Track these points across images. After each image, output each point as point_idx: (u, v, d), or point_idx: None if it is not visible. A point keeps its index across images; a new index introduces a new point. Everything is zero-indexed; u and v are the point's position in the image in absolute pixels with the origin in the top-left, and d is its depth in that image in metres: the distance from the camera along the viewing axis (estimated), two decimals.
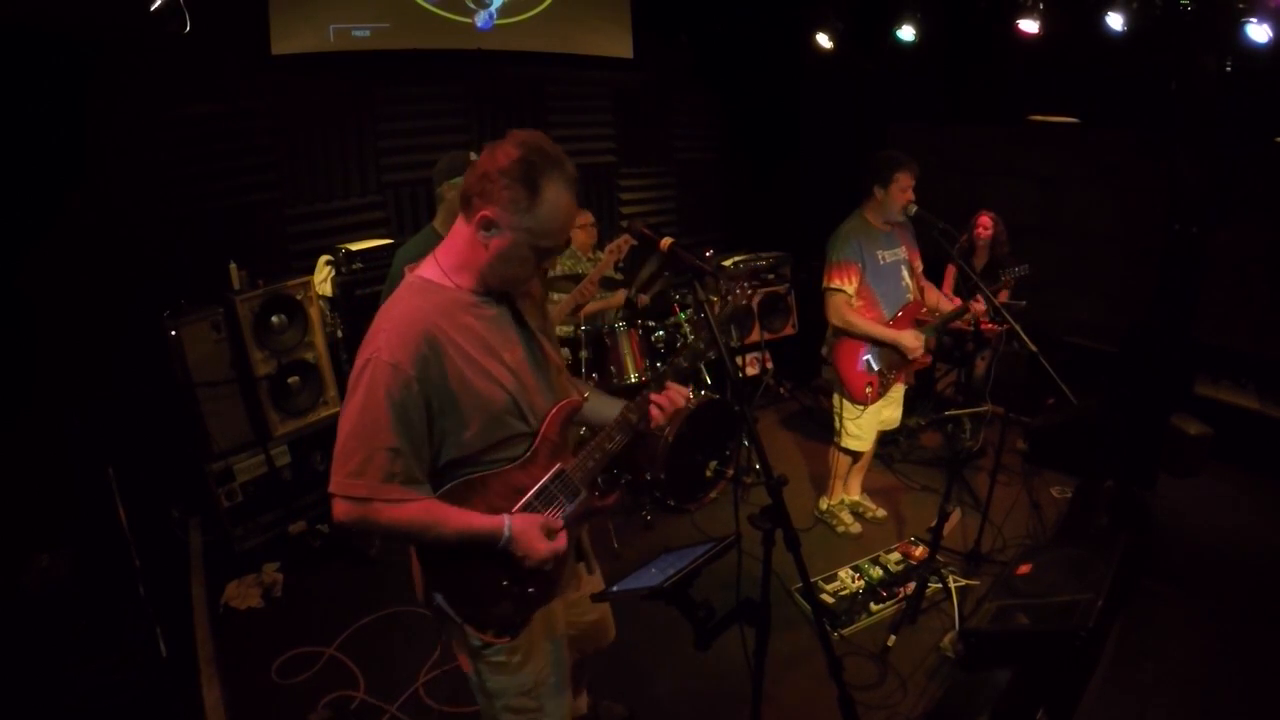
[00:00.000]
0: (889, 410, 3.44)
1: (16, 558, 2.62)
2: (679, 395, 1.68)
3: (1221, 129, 3.64)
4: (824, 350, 3.43)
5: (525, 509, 1.55)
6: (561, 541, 1.55)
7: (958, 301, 3.30)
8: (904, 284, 3.25)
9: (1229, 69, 3.45)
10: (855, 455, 3.50)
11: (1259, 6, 3.13)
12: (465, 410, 1.45)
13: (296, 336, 3.51)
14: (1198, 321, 3.96)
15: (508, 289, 1.54)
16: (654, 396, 1.67)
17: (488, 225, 1.41)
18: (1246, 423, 4.04)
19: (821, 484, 3.81)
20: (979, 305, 3.22)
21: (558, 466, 1.60)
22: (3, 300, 2.90)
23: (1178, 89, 3.67)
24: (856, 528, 3.60)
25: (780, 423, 4.89)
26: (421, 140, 4.26)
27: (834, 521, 3.65)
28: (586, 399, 1.73)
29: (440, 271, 1.49)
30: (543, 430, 1.58)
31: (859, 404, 3.26)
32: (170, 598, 2.96)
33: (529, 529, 1.51)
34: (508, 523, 1.49)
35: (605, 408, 1.75)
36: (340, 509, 1.42)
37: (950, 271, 4.63)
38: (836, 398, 3.36)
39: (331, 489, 1.41)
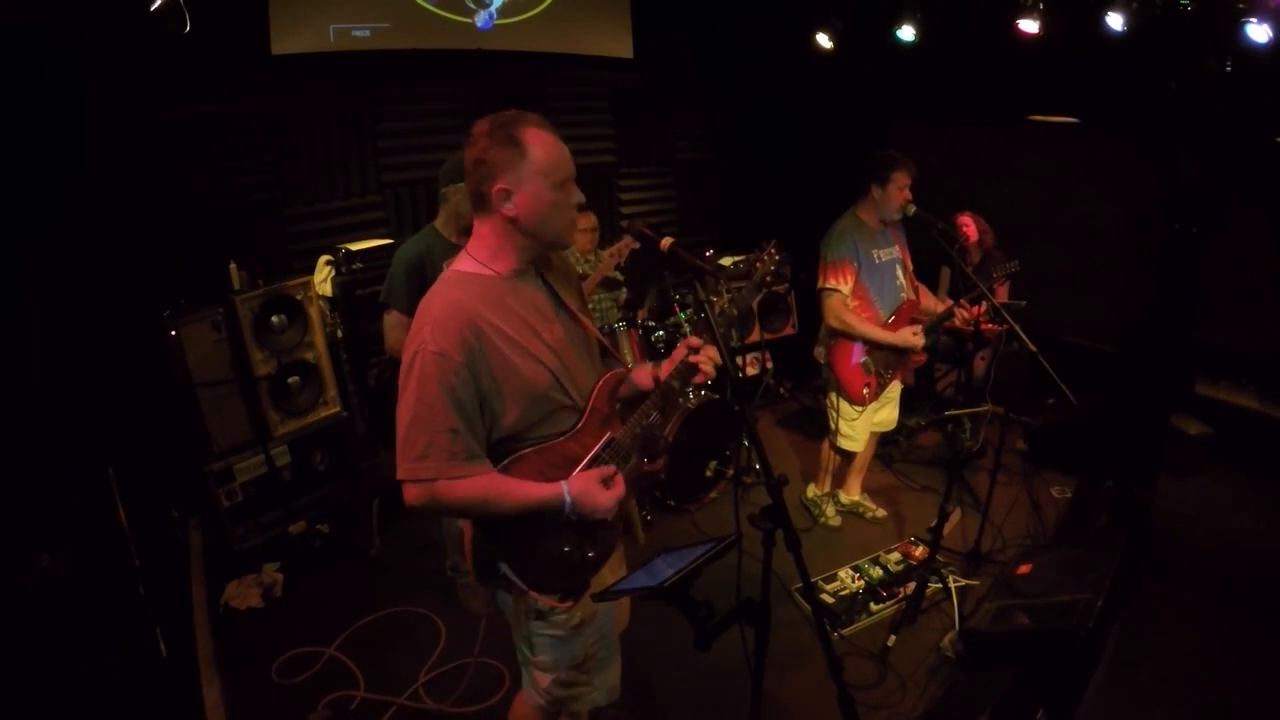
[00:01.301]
0: (884, 411, 3.45)
1: (16, 558, 2.62)
2: (714, 352, 1.76)
3: (1221, 129, 3.64)
4: (817, 351, 3.43)
5: None
6: (620, 488, 1.63)
7: (948, 303, 3.31)
8: (898, 283, 3.26)
9: (1229, 69, 3.45)
10: (848, 455, 3.50)
11: (1259, 6, 3.12)
12: (510, 391, 1.53)
13: (296, 336, 3.50)
14: (1198, 321, 3.96)
15: (562, 242, 1.61)
16: (692, 359, 1.75)
17: (505, 195, 1.50)
18: (1246, 423, 4.04)
19: None
20: (967, 310, 3.24)
21: (608, 435, 1.68)
22: (3, 300, 2.90)
23: (1178, 89, 3.67)
24: (836, 521, 3.63)
25: (780, 423, 4.90)
26: (421, 140, 4.26)
27: (816, 511, 3.68)
28: (630, 369, 1.82)
29: (476, 263, 1.58)
30: (591, 402, 1.67)
31: (857, 405, 3.26)
32: (170, 598, 2.95)
33: (587, 486, 1.58)
34: (566, 488, 1.56)
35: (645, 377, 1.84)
36: (411, 493, 1.50)
37: (945, 273, 4.64)
38: (833, 396, 3.37)
39: (400, 476, 1.49)
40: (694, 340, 1.77)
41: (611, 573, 1.79)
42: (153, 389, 3.26)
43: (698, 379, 1.77)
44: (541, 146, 1.50)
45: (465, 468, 1.48)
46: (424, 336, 1.47)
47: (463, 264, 1.59)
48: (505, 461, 1.56)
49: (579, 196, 1.58)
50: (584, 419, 1.65)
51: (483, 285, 1.55)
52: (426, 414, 1.45)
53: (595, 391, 1.68)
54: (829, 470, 3.63)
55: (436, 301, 1.52)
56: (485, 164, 1.49)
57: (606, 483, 1.61)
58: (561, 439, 1.62)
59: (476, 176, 1.51)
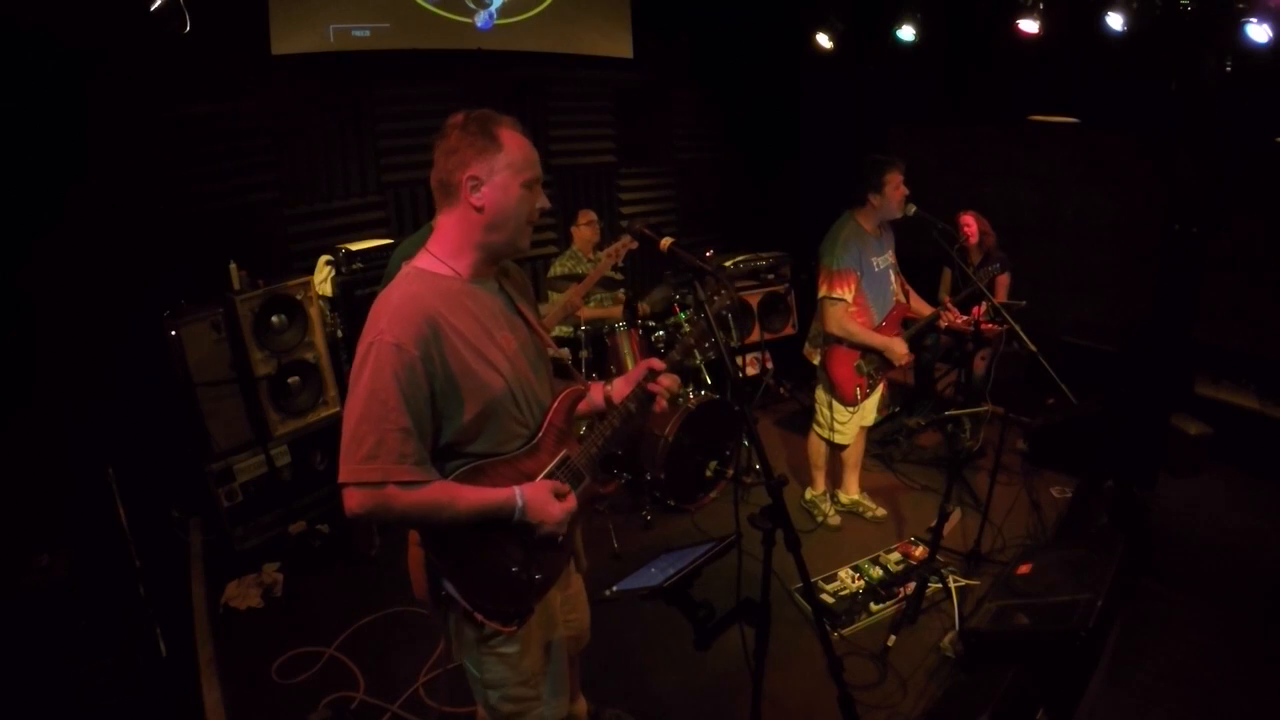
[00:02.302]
0: (869, 404, 3.48)
1: (16, 558, 2.62)
2: (672, 381, 1.75)
3: (1221, 129, 3.64)
4: (806, 349, 3.47)
5: None
6: (572, 502, 1.60)
7: (946, 301, 3.34)
8: (891, 288, 3.31)
9: (1229, 69, 3.45)
10: (838, 447, 3.53)
11: (1259, 6, 3.12)
12: (464, 392, 1.48)
13: (296, 336, 3.50)
14: (1198, 321, 3.96)
15: (519, 245, 1.58)
16: (650, 386, 1.73)
17: (475, 184, 1.48)
18: (1246, 423, 4.04)
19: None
20: (953, 312, 3.27)
21: (563, 453, 1.65)
22: (3, 299, 2.90)
23: (1178, 89, 3.67)
24: (836, 520, 3.64)
25: (780, 423, 4.90)
26: (421, 140, 4.21)
27: (815, 512, 3.69)
28: (588, 386, 1.80)
29: (435, 260, 1.54)
30: (549, 417, 1.63)
31: (849, 406, 3.30)
32: (170, 598, 2.95)
33: (539, 493, 1.55)
34: (519, 492, 1.52)
35: (598, 395, 1.82)
36: (354, 499, 1.41)
37: (946, 274, 4.65)
38: (822, 394, 3.41)
39: (343, 478, 1.40)
40: (655, 363, 1.74)
41: (560, 592, 1.75)
42: (153, 389, 3.26)
43: (655, 407, 1.74)
44: (515, 144, 1.50)
45: (415, 471, 1.42)
46: (380, 328, 1.42)
47: (422, 261, 1.55)
48: (460, 471, 1.52)
49: (544, 201, 1.57)
50: (541, 435, 1.61)
51: (442, 284, 1.51)
52: (379, 410, 1.39)
53: (554, 407, 1.65)
54: (820, 468, 3.65)
55: (395, 295, 1.48)
56: (458, 152, 1.48)
57: (560, 496, 1.58)
58: (517, 454, 1.58)
59: (447, 165, 1.49)
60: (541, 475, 1.60)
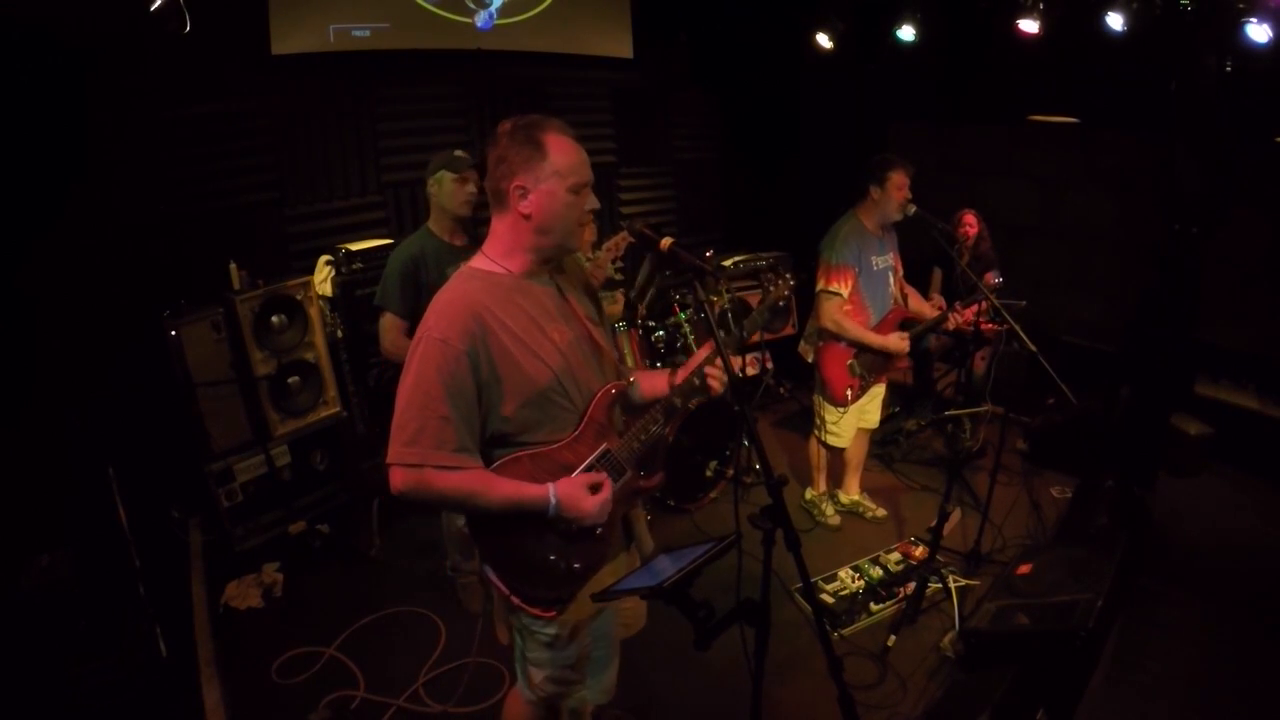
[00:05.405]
0: (870, 407, 3.49)
1: (16, 558, 2.62)
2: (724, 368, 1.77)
3: (1221, 129, 3.64)
4: (801, 347, 3.48)
5: None
6: (606, 494, 1.61)
7: (935, 299, 3.34)
8: (890, 290, 3.31)
9: (1229, 69, 3.45)
10: (836, 451, 3.52)
11: (1259, 6, 3.13)
12: (511, 385, 1.54)
13: (296, 336, 3.50)
14: (1198, 321, 3.96)
15: (570, 245, 1.63)
16: (708, 369, 1.78)
17: (522, 193, 1.53)
18: (1246, 423, 4.04)
19: None
20: (960, 314, 3.28)
21: (604, 447, 1.68)
22: (3, 300, 2.90)
23: (1178, 89, 3.67)
24: (836, 520, 3.65)
25: (780, 423, 4.90)
26: (421, 140, 4.26)
27: (815, 512, 3.70)
28: (632, 383, 1.82)
29: (489, 260, 1.61)
30: (589, 412, 1.66)
31: (839, 406, 3.30)
32: (170, 598, 2.96)
33: (573, 490, 1.58)
34: (552, 490, 1.56)
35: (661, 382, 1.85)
36: (397, 477, 1.51)
37: (936, 274, 4.65)
38: (817, 397, 3.42)
39: (389, 459, 1.50)
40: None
41: (613, 578, 1.76)
42: (153, 389, 3.25)
43: (709, 391, 1.79)
44: (561, 150, 1.54)
45: (453, 458, 1.49)
46: (429, 324, 1.51)
47: (477, 261, 1.62)
48: (498, 463, 1.57)
49: (593, 203, 1.61)
50: (581, 428, 1.65)
51: (493, 281, 1.58)
52: (421, 399, 1.48)
53: (595, 401, 1.68)
54: (820, 469, 3.65)
55: (446, 294, 1.57)
56: (505, 161, 1.53)
57: (594, 489, 1.60)
58: (558, 445, 1.62)
59: (496, 173, 1.55)
60: (580, 468, 1.64)
